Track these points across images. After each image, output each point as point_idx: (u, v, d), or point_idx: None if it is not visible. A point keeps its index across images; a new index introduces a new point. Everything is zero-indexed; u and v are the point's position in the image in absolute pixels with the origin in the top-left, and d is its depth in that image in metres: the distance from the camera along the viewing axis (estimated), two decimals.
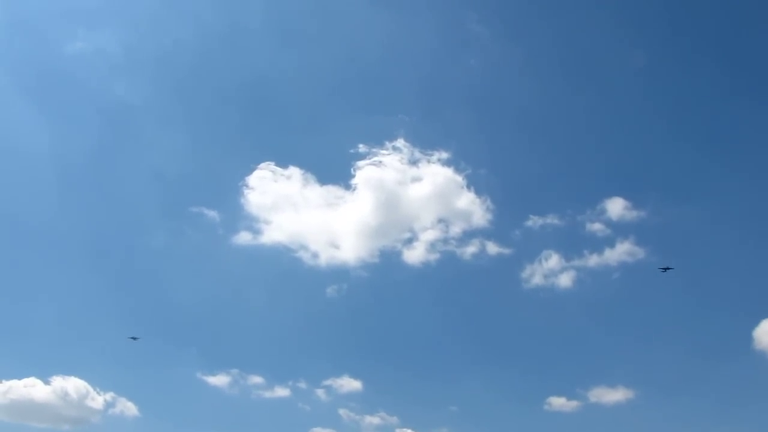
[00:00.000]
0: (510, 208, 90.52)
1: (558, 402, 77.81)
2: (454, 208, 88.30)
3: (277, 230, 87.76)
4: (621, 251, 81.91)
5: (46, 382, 76.91)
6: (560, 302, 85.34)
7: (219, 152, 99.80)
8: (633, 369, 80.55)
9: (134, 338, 77.35)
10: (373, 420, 79.91)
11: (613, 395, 77.17)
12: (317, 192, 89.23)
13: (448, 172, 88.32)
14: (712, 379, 77.98)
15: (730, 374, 77.78)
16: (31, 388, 75.98)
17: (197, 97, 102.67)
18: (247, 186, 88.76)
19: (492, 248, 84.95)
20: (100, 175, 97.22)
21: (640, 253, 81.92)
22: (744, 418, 73.68)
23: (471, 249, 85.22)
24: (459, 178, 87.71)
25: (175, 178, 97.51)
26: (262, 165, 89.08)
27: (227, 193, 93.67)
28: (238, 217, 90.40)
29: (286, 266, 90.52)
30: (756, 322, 74.62)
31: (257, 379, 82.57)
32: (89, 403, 77.76)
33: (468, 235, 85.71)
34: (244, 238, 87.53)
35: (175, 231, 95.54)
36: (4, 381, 75.68)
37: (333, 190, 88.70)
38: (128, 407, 79.76)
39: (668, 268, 72.81)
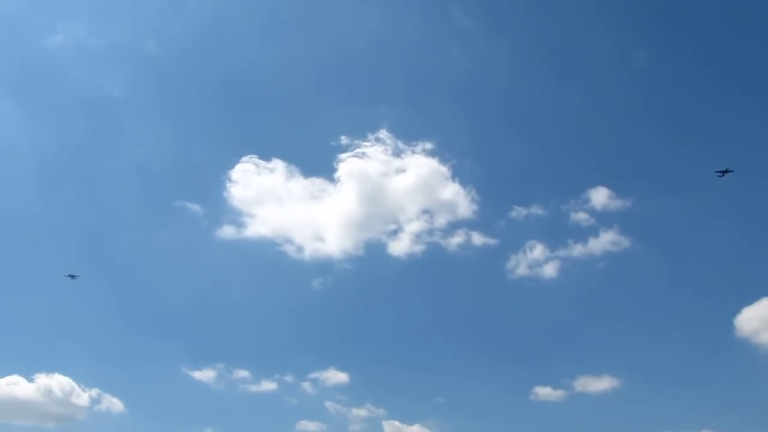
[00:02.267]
0: (495, 198, 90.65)
1: (544, 392, 78.51)
2: (438, 199, 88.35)
3: (261, 224, 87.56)
4: (605, 240, 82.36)
5: (30, 380, 76.77)
6: (545, 292, 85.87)
7: (201, 146, 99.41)
8: (618, 358, 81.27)
9: (72, 276, 76.00)
10: (360, 412, 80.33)
11: (598, 384, 78.00)
12: (301, 185, 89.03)
13: (432, 163, 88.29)
14: (696, 366, 79.32)
15: (714, 362, 79.28)
16: (14, 386, 75.79)
17: (179, 90, 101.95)
18: (230, 179, 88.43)
19: (477, 239, 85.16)
20: (82, 169, 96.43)
21: (625, 242, 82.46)
22: (727, 404, 75.20)
23: (456, 240, 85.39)
24: (444, 169, 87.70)
25: (158, 173, 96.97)
26: (245, 158, 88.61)
27: (210, 187, 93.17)
28: (221, 210, 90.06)
29: (270, 260, 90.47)
30: (738, 310, 75.54)
31: (243, 373, 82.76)
32: (74, 400, 77.70)
33: (453, 226, 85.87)
34: (228, 232, 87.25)
35: (158, 225, 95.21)
36: None
37: (317, 183, 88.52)
38: (114, 403, 79.78)
39: (727, 171, 69.04)
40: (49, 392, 75.87)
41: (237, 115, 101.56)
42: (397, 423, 78.75)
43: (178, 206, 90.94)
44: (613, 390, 77.02)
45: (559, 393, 77.88)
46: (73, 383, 77.45)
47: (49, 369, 77.66)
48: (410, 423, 78.71)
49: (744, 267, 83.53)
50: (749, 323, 74.32)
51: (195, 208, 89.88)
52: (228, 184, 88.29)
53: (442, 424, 78.69)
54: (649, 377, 79.76)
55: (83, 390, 77.91)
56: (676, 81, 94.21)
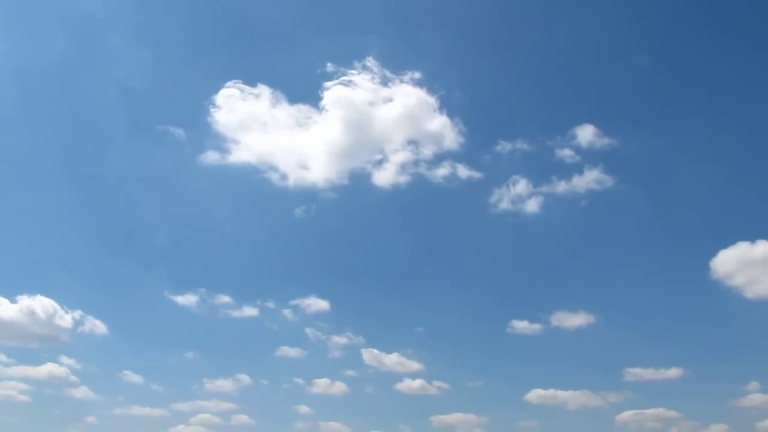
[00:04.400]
0: (481, 131, 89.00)
1: (521, 325, 79.84)
2: (425, 130, 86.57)
3: (246, 150, 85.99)
4: (589, 179, 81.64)
5: (13, 301, 77.37)
6: (527, 228, 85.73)
7: (185, 69, 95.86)
8: (595, 295, 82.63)
9: None
10: (340, 340, 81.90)
11: (574, 319, 79.15)
12: (287, 111, 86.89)
13: (420, 93, 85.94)
14: (670, 306, 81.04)
15: (687, 302, 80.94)
16: None
17: (163, 10, 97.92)
18: (214, 104, 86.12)
19: (462, 171, 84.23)
20: (62, 90, 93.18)
21: (608, 181, 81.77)
22: (698, 343, 77.67)
23: (441, 172, 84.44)
24: (431, 100, 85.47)
25: (141, 95, 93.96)
26: (230, 83, 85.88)
27: (194, 112, 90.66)
28: (205, 135, 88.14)
29: (254, 186, 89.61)
30: (714, 252, 75.96)
31: (225, 299, 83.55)
32: (57, 321, 78.57)
33: (439, 158, 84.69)
34: (211, 157, 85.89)
35: (141, 149, 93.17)
36: None
37: (303, 110, 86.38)
38: (97, 325, 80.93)
39: None
40: (32, 313, 76.56)
41: (222, 39, 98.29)
42: (375, 351, 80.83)
43: (161, 130, 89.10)
44: (589, 326, 78.52)
45: (536, 327, 79.45)
46: (55, 305, 78.27)
47: (32, 291, 78.29)
48: (389, 351, 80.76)
49: (724, 210, 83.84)
50: (724, 266, 75.09)
51: (178, 132, 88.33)
52: (212, 109, 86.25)
53: (420, 353, 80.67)
54: (624, 315, 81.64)
55: (66, 312, 78.88)
56: (667, 22, 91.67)
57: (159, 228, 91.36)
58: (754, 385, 71.46)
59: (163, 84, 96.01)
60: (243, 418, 78.94)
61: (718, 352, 76.22)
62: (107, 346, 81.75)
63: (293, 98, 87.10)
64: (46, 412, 79.28)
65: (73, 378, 78.11)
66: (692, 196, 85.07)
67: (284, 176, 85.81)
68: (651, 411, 73.57)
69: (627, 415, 73.84)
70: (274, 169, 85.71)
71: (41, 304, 77.41)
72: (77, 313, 79.67)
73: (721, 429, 71.00)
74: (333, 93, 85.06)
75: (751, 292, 75.16)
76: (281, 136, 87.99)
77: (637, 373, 75.30)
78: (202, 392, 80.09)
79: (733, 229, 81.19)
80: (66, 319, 78.73)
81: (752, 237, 74.92)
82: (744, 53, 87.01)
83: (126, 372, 79.72)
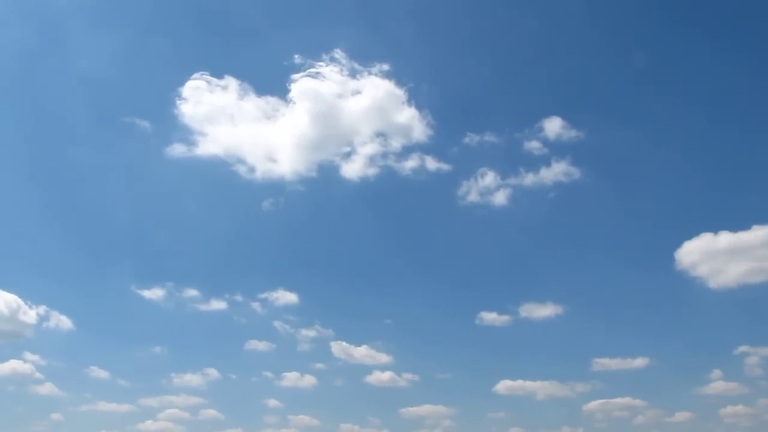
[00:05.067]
0: (450, 123, 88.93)
1: (489, 317, 79.94)
2: (394, 123, 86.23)
3: (213, 142, 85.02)
4: (557, 171, 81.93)
5: None
6: (495, 220, 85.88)
7: (151, 60, 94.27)
8: (562, 286, 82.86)
9: None
10: (309, 333, 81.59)
11: (542, 311, 79.58)
12: (254, 103, 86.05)
13: (388, 86, 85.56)
14: (636, 297, 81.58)
15: (653, 292, 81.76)
16: None
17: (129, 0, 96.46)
18: (180, 96, 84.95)
19: (431, 164, 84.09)
20: (23, 81, 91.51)
21: (576, 173, 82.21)
22: (663, 333, 78.67)
23: (410, 164, 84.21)
24: (400, 92, 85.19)
25: (106, 86, 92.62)
26: (197, 75, 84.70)
27: (160, 103, 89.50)
28: (171, 128, 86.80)
29: (221, 179, 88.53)
30: (679, 244, 76.93)
31: (193, 293, 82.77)
32: (21, 317, 76.86)
33: (407, 150, 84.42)
34: (178, 150, 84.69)
35: (106, 141, 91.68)
36: None
37: (271, 102, 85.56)
38: (62, 321, 79.52)
39: None
40: None
41: (189, 30, 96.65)
42: (344, 344, 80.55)
43: (127, 122, 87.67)
44: (557, 317, 78.97)
45: (504, 318, 79.73)
46: (19, 300, 76.65)
47: None
48: (358, 344, 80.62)
49: (688, 202, 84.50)
50: (688, 256, 76.15)
51: (144, 124, 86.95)
52: (178, 101, 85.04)
53: (389, 345, 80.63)
54: (591, 306, 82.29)
55: (30, 307, 77.31)
56: (634, 15, 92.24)
57: (125, 221, 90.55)
58: (716, 373, 72.87)
59: (129, 75, 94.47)
60: (212, 412, 78.47)
61: (682, 342, 77.51)
62: (73, 341, 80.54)
63: (261, 90, 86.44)
64: (10, 410, 77.84)
65: (37, 375, 76.79)
66: (658, 188, 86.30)
67: (252, 169, 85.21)
68: (618, 400, 74.69)
69: (594, 404, 74.88)
70: (242, 161, 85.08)
71: (4, 299, 75.84)
72: (42, 309, 78.48)
73: (686, 417, 72.53)
74: (301, 85, 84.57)
75: (715, 282, 76.52)
76: (249, 128, 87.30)
77: (604, 363, 76.11)
78: (170, 387, 79.58)
79: (698, 221, 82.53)
80: (30, 314, 77.38)
81: (716, 228, 76.00)
82: (709, 45, 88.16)
83: (92, 368, 78.70)
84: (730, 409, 70.95)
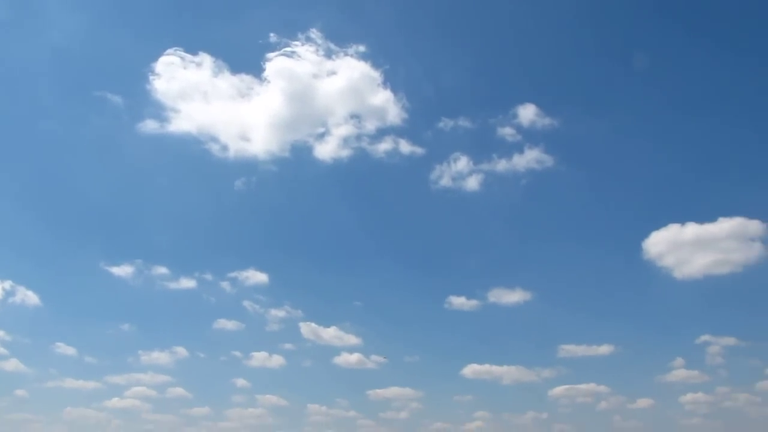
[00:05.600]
0: (424, 107, 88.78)
1: (458, 301, 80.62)
2: (368, 104, 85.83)
3: (186, 119, 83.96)
4: (529, 158, 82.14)
5: None
6: (466, 205, 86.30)
7: (124, 34, 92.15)
8: (531, 272, 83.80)
9: None
10: (278, 313, 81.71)
11: (511, 296, 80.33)
12: (228, 81, 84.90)
13: (364, 67, 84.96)
14: (603, 285, 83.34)
15: (619, 281, 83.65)
16: None
17: None
18: (153, 72, 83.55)
19: (404, 147, 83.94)
20: None
21: (548, 160, 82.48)
22: (628, 321, 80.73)
23: (383, 146, 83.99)
24: (375, 74, 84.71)
25: (77, 60, 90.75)
26: (170, 50, 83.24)
27: (132, 78, 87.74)
28: (144, 103, 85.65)
29: (193, 157, 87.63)
30: (647, 234, 77.80)
31: (162, 270, 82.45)
32: None
33: (381, 133, 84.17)
34: (150, 126, 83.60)
35: (77, 115, 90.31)
36: None
37: (245, 80, 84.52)
38: (29, 296, 78.91)
39: None
40: None
41: (164, 3, 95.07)
42: (313, 324, 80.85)
43: (98, 96, 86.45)
44: (525, 303, 79.78)
45: (473, 303, 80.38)
46: None
47: None
48: (327, 325, 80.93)
49: (657, 192, 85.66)
50: (655, 247, 77.15)
51: (116, 99, 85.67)
52: (151, 77, 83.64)
53: (358, 327, 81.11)
54: (558, 292, 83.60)
55: None
56: (610, 5, 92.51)
57: (94, 197, 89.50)
58: (678, 361, 74.34)
59: (101, 49, 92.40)
60: (179, 390, 78.68)
61: (646, 330, 79.24)
62: (39, 317, 79.91)
63: (235, 68, 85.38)
64: None
65: (2, 350, 76.36)
66: (628, 178, 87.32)
67: (225, 147, 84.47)
68: (582, 386, 76.02)
69: (559, 390, 76.18)
70: (215, 139, 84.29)
71: None
72: (7, 284, 77.94)
73: (647, 403, 74.18)
74: (276, 64, 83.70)
75: (680, 273, 77.59)
76: (222, 106, 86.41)
77: (570, 349, 77.16)
78: (138, 365, 79.53)
79: (665, 211, 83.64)
80: None
81: (683, 219, 77.12)
82: (682, 37, 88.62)
83: (59, 344, 78.27)
84: (690, 396, 72.84)
